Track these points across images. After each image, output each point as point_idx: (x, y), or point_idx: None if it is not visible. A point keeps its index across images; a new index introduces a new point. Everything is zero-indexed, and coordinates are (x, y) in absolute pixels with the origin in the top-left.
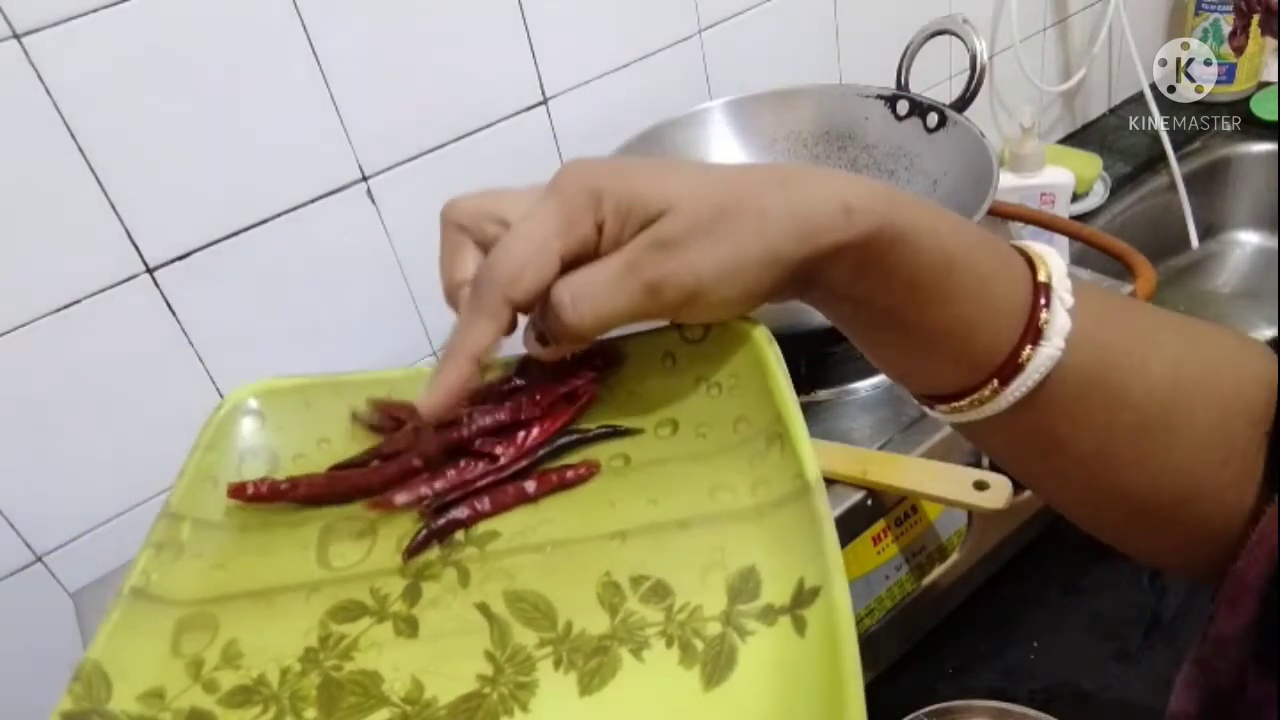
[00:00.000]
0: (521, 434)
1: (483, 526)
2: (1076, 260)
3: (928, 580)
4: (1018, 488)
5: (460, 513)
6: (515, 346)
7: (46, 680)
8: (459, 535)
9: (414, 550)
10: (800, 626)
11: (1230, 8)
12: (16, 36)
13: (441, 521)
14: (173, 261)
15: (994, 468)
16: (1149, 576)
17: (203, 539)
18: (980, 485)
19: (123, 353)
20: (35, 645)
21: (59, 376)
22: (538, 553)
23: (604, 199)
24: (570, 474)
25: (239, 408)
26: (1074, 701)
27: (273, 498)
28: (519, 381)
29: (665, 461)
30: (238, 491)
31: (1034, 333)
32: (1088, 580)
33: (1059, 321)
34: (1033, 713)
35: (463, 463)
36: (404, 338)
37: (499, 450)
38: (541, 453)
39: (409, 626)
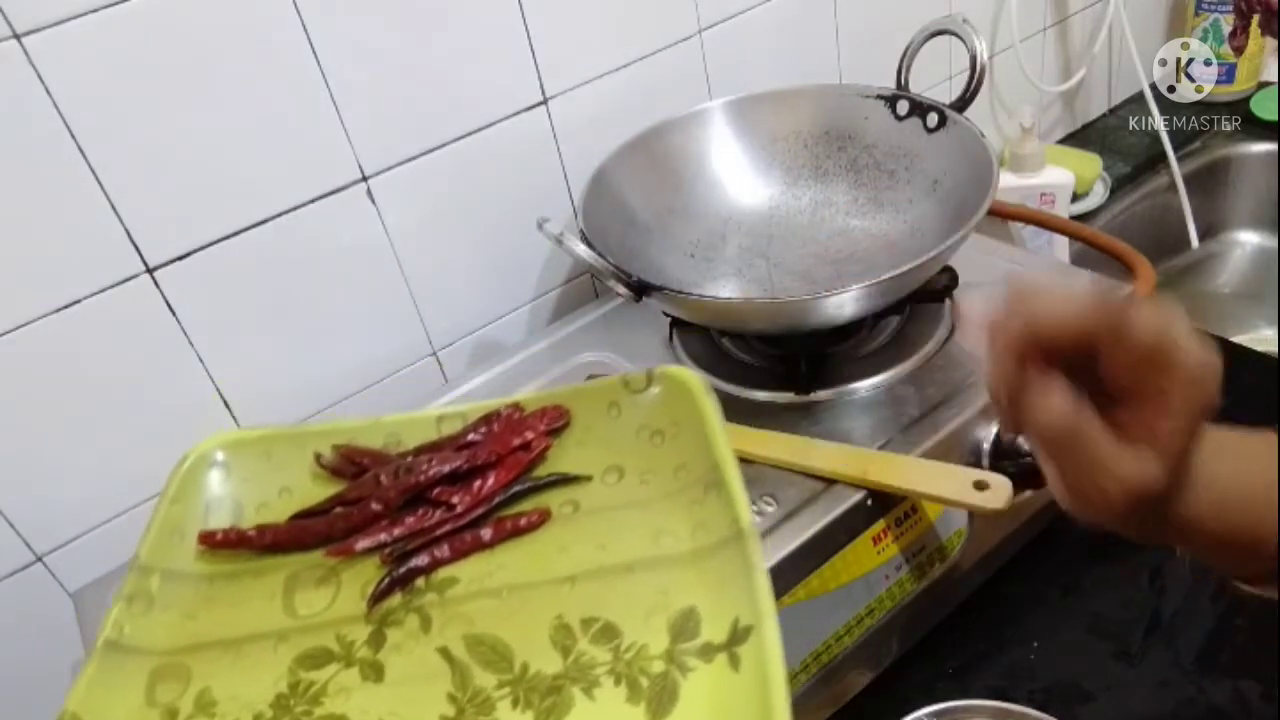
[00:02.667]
0: (478, 483)
1: (442, 573)
2: (1076, 260)
3: (928, 580)
4: (1018, 488)
5: (421, 560)
6: (470, 399)
7: (46, 680)
8: (420, 582)
9: (378, 597)
10: (735, 663)
11: (1230, 8)
12: (16, 36)
13: (403, 569)
14: (173, 261)
15: (994, 468)
16: (1149, 576)
17: (172, 590)
18: (980, 485)
19: (123, 353)
20: (35, 645)
21: (59, 376)
22: (494, 597)
23: None
24: (524, 521)
25: (203, 460)
26: (1074, 701)
27: (240, 544)
28: (474, 436)
29: (612, 508)
30: (207, 538)
31: None
32: (1088, 580)
33: None
34: (1033, 713)
35: (421, 510)
36: (404, 338)
37: (456, 499)
38: (497, 500)
39: (374, 671)
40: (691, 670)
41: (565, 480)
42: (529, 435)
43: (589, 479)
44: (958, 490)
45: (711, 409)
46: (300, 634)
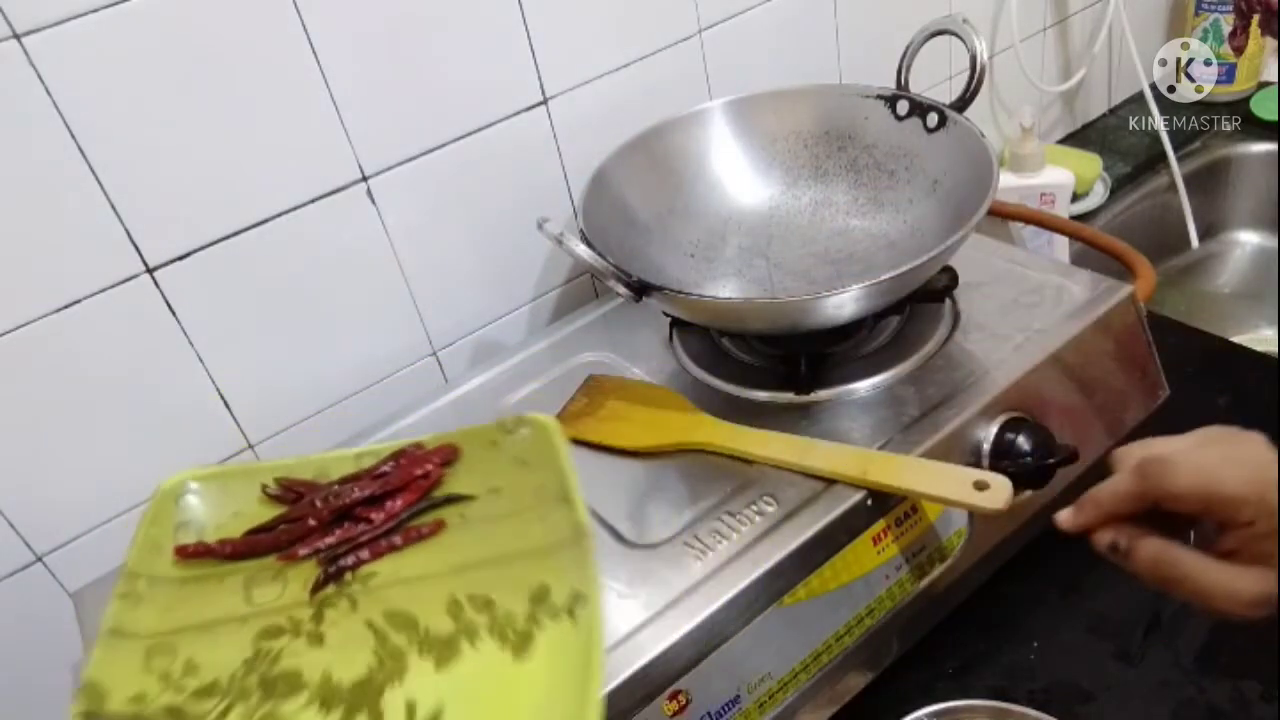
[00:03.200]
0: (390, 503)
1: (365, 569)
2: (1076, 260)
3: (928, 580)
4: (1018, 488)
5: (348, 561)
6: (382, 438)
7: (47, 680)
8: (348, 576)
9: (316, 589)
10: (574, 619)
11: (1230, 8)
12: (16, 36)
13: (334, 568)
14: (173, 261)
15: (994, 468)
16: None
17: (155, 590)
18: (980, 485)
19: (123, 353)
20: (35, 645)
21: (58, 376)
22: (405, 585)
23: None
24: (425, 530)
25: (172, 491)
26: (1074, 701)
27: (207, 554)
28: (386, 468)
29: (491, 518)
30: (181, 551)
31: None
32: (1088, 580)
33: None
34: (1032, 713)
35: (347, 525)
36: (404, 337)
37: (374, 515)
38: (404, 515)
39: (318, 639)
40: (543, 626)
41: (457, 499)
42: (428, 467)
43: (474, 497)
44: (958, 490)
45: (562, 443)
46: (258, 617)
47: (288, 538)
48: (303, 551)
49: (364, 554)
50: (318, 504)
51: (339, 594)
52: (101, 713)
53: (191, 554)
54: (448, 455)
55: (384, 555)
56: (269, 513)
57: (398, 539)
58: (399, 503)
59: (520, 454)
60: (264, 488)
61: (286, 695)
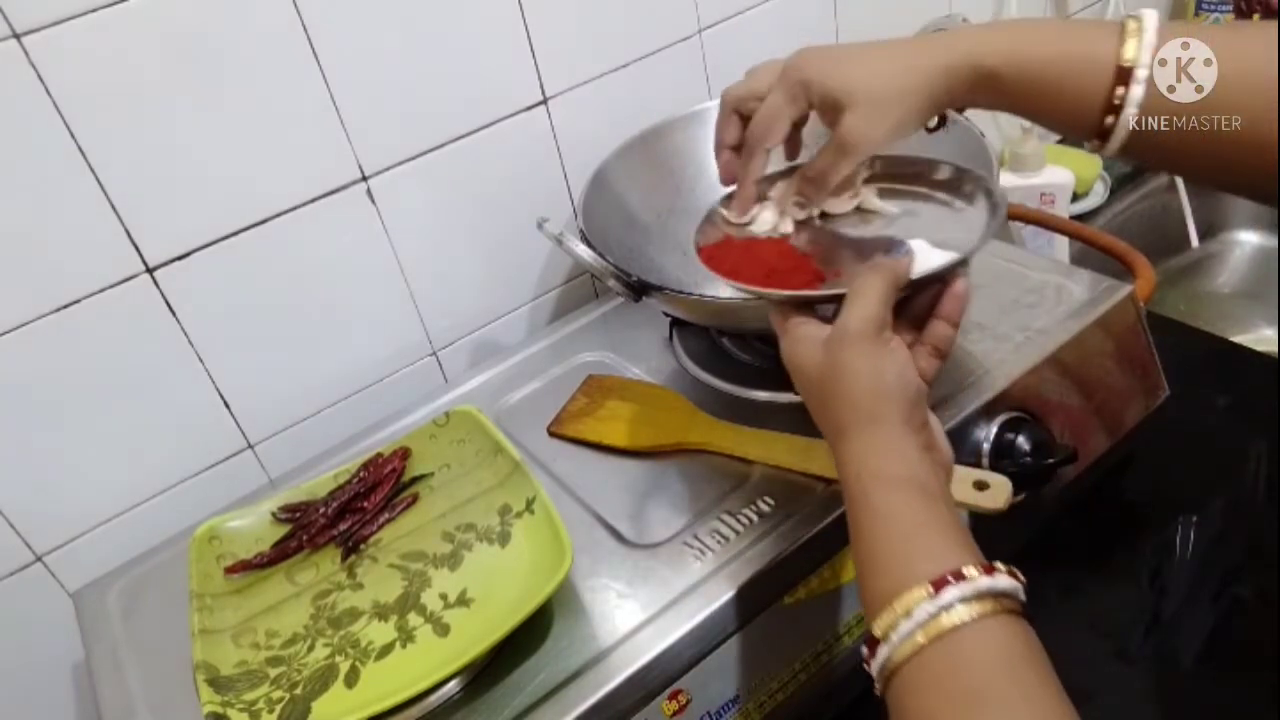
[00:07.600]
0: (375, 494)
1: (373, 539)
2: (1076, 260)
3: None
4: (1018, 488)
5: (360, 535)
6: (382, 438)
7: (46, 679)
8: (363, 546)
9: (344, 558)
10: (534, 513)
11: (1230, 8)
12: (16, 36)
13: (351, 543)
14: (173, 261)
15: (994, 468)
16: (1149, 576)
17: (220, 601)
18: (980, 485)
19: (123, 353)
20: (35, 645)
21: (59, 376)
22: (407, 536)
23: (811, 90)
24: (407, 502)
25: (203, 536)
26: (1074, 701)
27: (249, 568)
28: (363, 474)
29: (451, 480)
30: (229, 569)
31: (1112, 107)
32: (1088, 580)
33: (1134, 94)
34: None
35: (348, 516)
36: (404, 337)
37: (366, 504)
38: (387, 497)
39: (358, 585)
40: (514, 524)
41: (421, 477)
42: (393, 464)
43: (433, 473)
44: (958, 490)
45: (484, 418)
46: (307, 590)
47: (307, 535)
48: (322, 540)
49: (369, 530)
50: (322, 508)
51: (361, 557)
52: (220, 677)
53: (238, 569)
54: (404, 454)
55: (384, 526)
56: (281, 531)
57: (386, 515)
58: (381, 491)
59: (456, 436)
60: (273, 514)
61: (351, 622)
